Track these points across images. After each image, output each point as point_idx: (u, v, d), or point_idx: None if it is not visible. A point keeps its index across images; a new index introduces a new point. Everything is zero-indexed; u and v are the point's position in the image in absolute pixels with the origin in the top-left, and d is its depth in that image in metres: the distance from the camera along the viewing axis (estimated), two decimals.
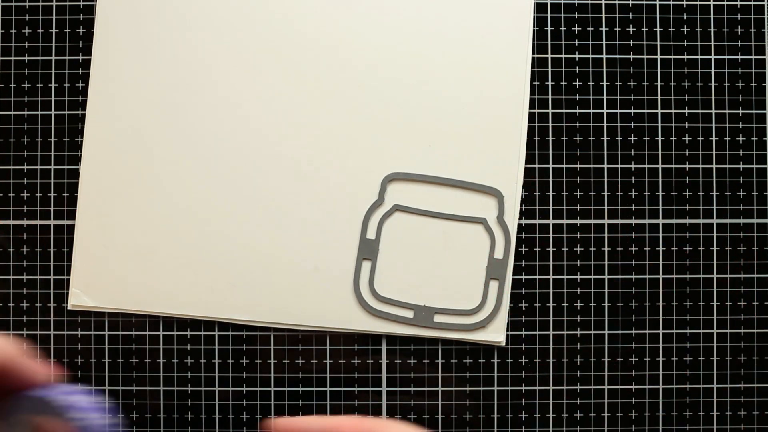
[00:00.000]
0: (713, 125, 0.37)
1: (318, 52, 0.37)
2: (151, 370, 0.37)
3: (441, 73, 0.37)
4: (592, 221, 0.37)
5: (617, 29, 0.37)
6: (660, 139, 0.37)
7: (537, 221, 0.37)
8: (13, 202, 0.37)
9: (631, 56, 0.37)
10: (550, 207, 0.37)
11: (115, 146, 0.37)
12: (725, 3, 0.37)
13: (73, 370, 0.37)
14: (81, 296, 0.36)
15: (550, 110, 0.37)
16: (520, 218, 0.37)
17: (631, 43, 0.37)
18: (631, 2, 0.37)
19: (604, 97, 0.37)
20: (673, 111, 0.37)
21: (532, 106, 0.37)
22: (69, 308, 0.37)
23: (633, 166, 0.37)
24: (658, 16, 0.37)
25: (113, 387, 0.37)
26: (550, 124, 0.37)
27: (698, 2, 0.37)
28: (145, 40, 0.37)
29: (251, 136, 0.37)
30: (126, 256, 0.36)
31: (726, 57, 0.37)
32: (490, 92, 0.36)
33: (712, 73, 0.37)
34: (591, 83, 0.37)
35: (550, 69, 0.37)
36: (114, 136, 0.37)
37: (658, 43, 0.37)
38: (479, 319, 0.36)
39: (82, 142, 0.37)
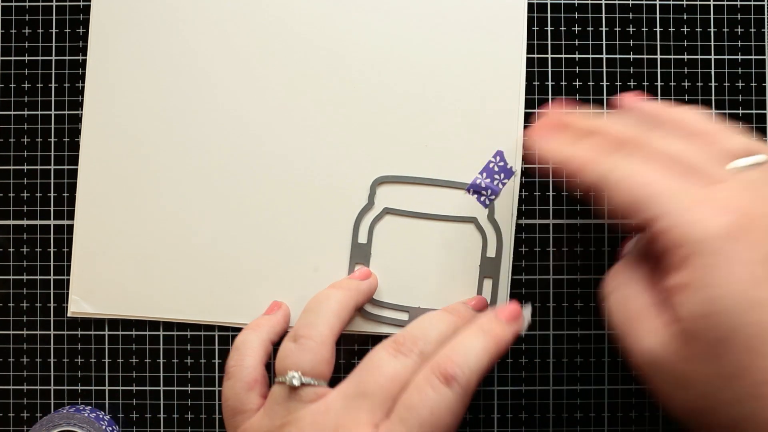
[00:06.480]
0: None
1: (310, 54, 0.37)
2: (151, 370, 0.37)
3: (432, 74, 0.36)
4: (592, 221, 0.37)
5: (617, 29, 0.37)
6: None
7: (537, 221, 0.37)
8: (13, 202, 0.37)
9: (631, 56, 0.37)
10: (550, 207, 0.37)
11: (111, 149, 0.37)
12: (725, 3, 0.37)
13: (73, 369, 0.37)
14: (80, 303, 0.36)
15: (550, 110, 0.37)
16: (519, 218, 0.37)
17: (631, 43, 0.37)
18: (631, 2, 0.37)
19: (604, 97, 0.37)
20: None
21: (532, 105, 0.37)
22: (69, 315, 0.36)
23: None
24: (658, 16, 0.37)
25: (113, 387, 0.37)
26: None
27: (698, 2, 0.37)
28: (141, 41, 0.37)
29: (247, 139, 0.36)
30: (125, 260, 0.36)
31: (726, 57, 0.37)
32: (485, 92, 0.36)
33: (712, 73, 0.37)
34: (591, 83, 0.37)
35: (550, 69, 0.37)
36: (110, 139, 0.37)
37: (658, 43, 0.37)
38: None
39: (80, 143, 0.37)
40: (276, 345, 0.33)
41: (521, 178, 0.37)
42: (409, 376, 0.28)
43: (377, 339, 0.37)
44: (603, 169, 0.27)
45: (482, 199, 0.36)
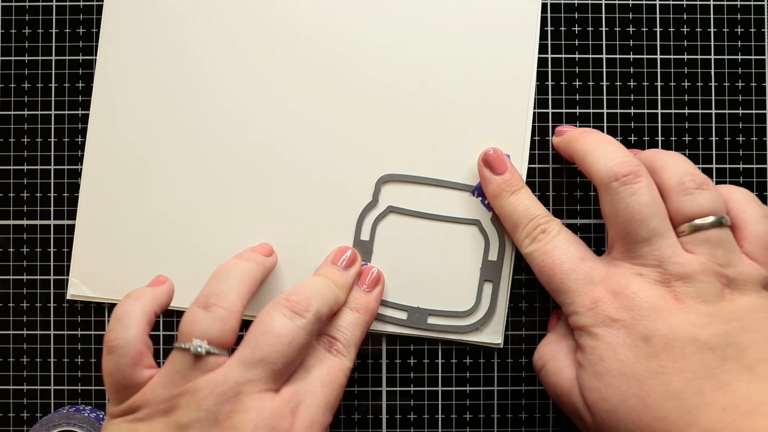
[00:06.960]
0: (713, 125, 0.37)
1: (317, 54, 0.37)
2: None
3: (440, 75, 0.36)
4: (592, 221, 0.37)
5: (617, 29, 0.37)
6: (660, 139, 0.37)
7: None
8: (13, 202, 0.37)
9: (631, 56, 0.37)
10: (550, 207, 0.37)
11: (117, 145, 0.37)
12: (725, 3, 0.37)
13: (73, 369, 0.37)
14: (80, 286, 0.36)
15: (550, 110, 0.37)
16: None
17: (631, 43, 0.37)
18: (631, 2, 0.37)
19: (604, 97, 0.37)
20: (673, 111, 0.37)
21: (532, 106, 0.37)
22: (68, 298, 0.37)
23: None
24: (658, 16, 0.37)
25: None
26: (550, 124, 0.37)
27: (698, 2, 0.37)
28: (149, 41, 0.37)
29: (250, 138, 0.37)
30: (126, 254, 0.36)
31: (726, 57, 0.37)
32: (494, 96, 0.36)
33: (712, 73, 0.37)
34: (591, 83, 0.37)
35: (550, 69, 0.37)
36: (117, 136, 0.37)
37: (658, 43, 0.37)
38: (472, 321, 0.36)
39: (83, 141, 0.37)
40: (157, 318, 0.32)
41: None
42: (306, 339, 0.29)
43: (376, 337, 0.37)
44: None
45: (486, 202, 0.36)
